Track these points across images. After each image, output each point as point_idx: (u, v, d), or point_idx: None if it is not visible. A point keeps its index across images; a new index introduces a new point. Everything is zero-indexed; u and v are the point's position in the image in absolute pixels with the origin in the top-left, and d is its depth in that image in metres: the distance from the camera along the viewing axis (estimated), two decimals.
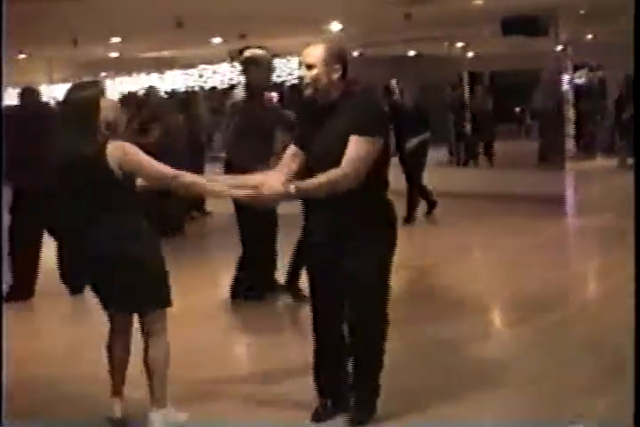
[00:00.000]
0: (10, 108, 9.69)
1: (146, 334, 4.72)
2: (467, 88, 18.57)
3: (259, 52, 7.38)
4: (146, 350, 4.72)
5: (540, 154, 15.99)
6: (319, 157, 4.53)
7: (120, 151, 4.45)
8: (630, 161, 16.10)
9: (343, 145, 4.39)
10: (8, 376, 5.19)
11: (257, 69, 7.24)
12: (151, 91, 11.82)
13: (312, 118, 4.68)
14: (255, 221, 7.06)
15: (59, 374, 5.94)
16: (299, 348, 5.55)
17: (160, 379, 4.70)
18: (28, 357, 6.25)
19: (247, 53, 7.36)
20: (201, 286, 8.44)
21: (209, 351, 6.29)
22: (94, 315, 7.56)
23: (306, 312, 5.01)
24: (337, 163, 4.37)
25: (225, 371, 5.82)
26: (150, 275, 4.59)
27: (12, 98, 9.45)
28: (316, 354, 4.81)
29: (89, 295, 8.42)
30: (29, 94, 8.59)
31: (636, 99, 8.39)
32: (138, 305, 4.68)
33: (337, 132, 4.45)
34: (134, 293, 4.60)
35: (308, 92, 4.62)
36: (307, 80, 4.59)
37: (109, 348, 4.90)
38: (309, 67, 4.57)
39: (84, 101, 4.53)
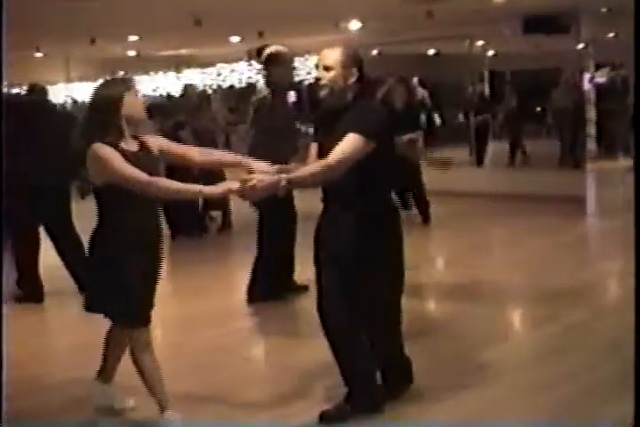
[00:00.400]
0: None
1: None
2: (487, 87, 18.47)
3: (280, 49, 7.30)
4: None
5: (562, 154, 15.90)
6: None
7: (92, 157, 4.43)
8: None
9: None
10: (15, 377, 5.23)
11: (279, 67, 7.17)
12: (189, 88, 11.86)
13: (327, 119, 4.72)
14: (276, 219, 7.03)
15: (61, 375, 5.95)
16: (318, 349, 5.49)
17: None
18: (28, 357, 6.25)
19: (269, 51, 7.26)
20: (222, 287, 8.51)
21: (230, 352, 6.25)
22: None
23: None
24: None
25: (245, 372, 5.80)
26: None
27: None
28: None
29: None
30: (38, 91, 8.62)
31: (636, 99, 8.32)
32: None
33: (341, 133, 4.49)
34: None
35: (323, 93, 4.67)
36: (323, 82, 4.65)
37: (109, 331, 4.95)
38: (327, 68, 4.63)
39: (106, 97, 4.53)
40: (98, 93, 4.58)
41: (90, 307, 4.74)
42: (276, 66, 7.17)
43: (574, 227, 11.48)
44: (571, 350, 5.99)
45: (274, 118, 7.10)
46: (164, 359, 4.85)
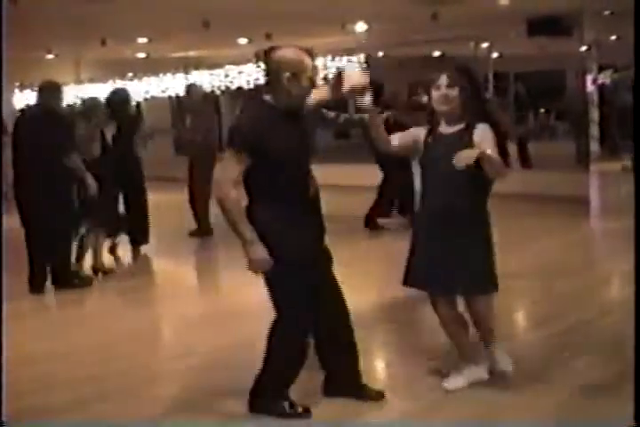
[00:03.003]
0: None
1: None
2: (491, 88, 18.56)
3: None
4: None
5: (579, 154, 16.03)
6: None
7: None
8: None
9: None
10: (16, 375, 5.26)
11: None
12: (193, 88, 11.88)
13: None
14: None
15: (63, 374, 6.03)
16: None
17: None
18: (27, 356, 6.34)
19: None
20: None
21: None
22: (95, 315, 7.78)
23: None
24: None
25: None
26: None
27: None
28: None
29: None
30: (52, 89, 8.74)
31: (636, 99, 8.40)
32: None
33: None
34: None
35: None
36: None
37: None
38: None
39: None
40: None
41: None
42: None
43: (578, 227, 11.56)
44: (575, 349, 6.04)
45: None
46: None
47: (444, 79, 4.90)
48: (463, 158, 4.47)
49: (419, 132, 5.13)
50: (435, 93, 4.94)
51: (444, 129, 5.00)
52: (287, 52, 4.72)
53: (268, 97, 4.73)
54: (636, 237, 4.84)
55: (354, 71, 4.91)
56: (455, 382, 5.21)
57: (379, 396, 5.16)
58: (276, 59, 4.69)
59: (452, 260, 4.95)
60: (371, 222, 11.51)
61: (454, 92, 4.87)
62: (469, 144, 4.74)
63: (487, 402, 5.05)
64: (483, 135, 4.81)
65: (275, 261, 4.59)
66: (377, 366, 6.08)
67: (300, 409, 4.94)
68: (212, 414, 5.05)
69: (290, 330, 4.83)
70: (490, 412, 4.93)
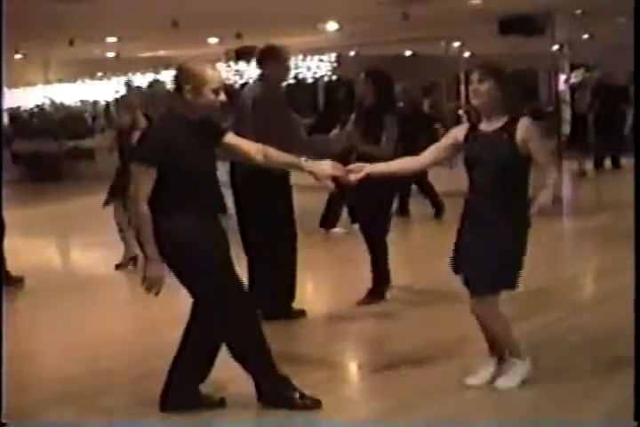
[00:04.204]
0: None
1: None
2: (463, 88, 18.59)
3: (276, 45, 7.14)
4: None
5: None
6: None
7: None
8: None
9: None
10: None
11: (276, 62, 6.97)
12: (155, 83, 11.75)
13: None
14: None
15: (58, 373, 5.98)
16: None
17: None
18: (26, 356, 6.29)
19: (265, 46, 7.10)
20: None
21: None
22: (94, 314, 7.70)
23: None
24: None
25: None
26: None
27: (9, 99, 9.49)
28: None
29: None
30: None
31: (636, 99, 8.39)
32: None
33: None
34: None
35: None
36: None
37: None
38: None
39: None
40: None
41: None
42: (273, 62, 6.98)
43: (550, 226, 11.55)
44: (546, 348, 6.01)
45: (276, 117, 6.87)
46: None
47: (475, 74, 4.91)
48: (542, 208, 4.76)
49: (459, 133, 5.10)
50: (469, 88, 4.97)
51: (485, 126, 4.97)
52: (190, 65, 4.80)
53: (175, 109, 4.83)
54: (636, 237, 4.81)
55: (327, 165, 4.97)
56: (479, 378, 5.14)
57: (314, 405, 4.97)
58: (180, 70, 4.78)
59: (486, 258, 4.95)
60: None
61: (484, 86, 4.85)
62: (512, 143, 4.79)
63: (465, 400, 4.99)
64: (527, 133, 4.82)
65: (185, 264, 4.70)
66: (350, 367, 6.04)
67: (309, 401, 4.93)
68: (197, 411, 4.94)
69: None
70: (468, 410, 4.89)
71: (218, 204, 4.87)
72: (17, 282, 8.62)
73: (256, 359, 4.93)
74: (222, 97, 4.78)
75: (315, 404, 4.90)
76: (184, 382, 4.95)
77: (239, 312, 4.86)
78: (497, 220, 4.88)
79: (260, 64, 7.06)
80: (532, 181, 4.97)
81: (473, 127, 5.02)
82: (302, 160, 5.11)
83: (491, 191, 4.90)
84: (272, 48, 7.03)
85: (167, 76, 19.28)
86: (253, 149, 5.04)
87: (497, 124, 4.89)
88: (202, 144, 4.77)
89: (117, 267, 9.34)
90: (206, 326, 4.89)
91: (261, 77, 7.02)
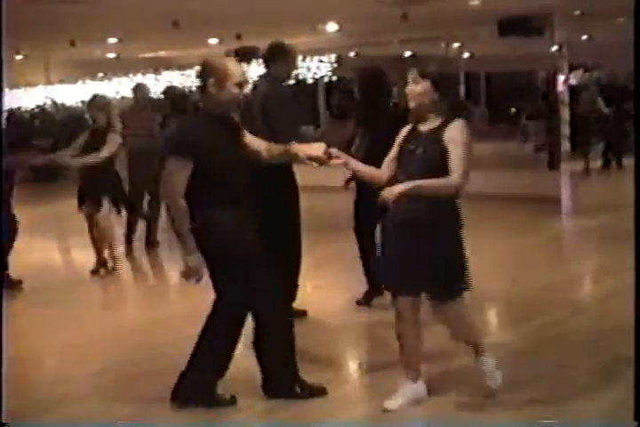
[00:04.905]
0: None
1: None
2: (463, 88, 18.65)
3: (283, 42, 7.11)
4: None
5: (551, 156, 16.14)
6: None
7: None
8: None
9: None
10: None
11: (283, 60, 6.96)
12: (139, 88, 11.63)
13: None
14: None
15: (56, 375, 6.01)
16: None
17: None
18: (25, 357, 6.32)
19: (273, 44, 7.07)
20: None
21: None
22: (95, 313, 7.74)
23: None
24: None
25: None
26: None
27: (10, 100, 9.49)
28: None
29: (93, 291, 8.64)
30: None
31: (636, 98, 8.40)
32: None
33: None
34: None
35: None
36: None
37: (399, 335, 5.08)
38: None
39: None
40: None
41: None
42: (280, 59, 6.96)
43: (550, 226, 11.60)
44: (546, 348, 6.06)
45: (286, 114, 6.85)
46: None
47: (411, 75, 4.85)
48: (387, 195, 4.60)
49: (401, 135, 5.04)
50: (406, 90, 4.89)
51: (422, 127, 4.90)
52: (214, 60, 4.93)
53: (201, 104, 4.95)
54: (636, 237, 4.84)
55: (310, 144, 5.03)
56: (395, 402, 5.00)
57: (320, 392, 5.19)
58: (203, 66, 4.89)
59: (420, 261, 4.81)
60: None
61: (419, 88, 4.79)
62: (441, 144, 4.71)
63: (463, 401, 5.03)
64: (453, 133, 4.73)
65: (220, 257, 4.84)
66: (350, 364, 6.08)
67: (312, 390, 5.11)
68: (186, 413, 5.03)
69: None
70: (464, 411, 4.91)
71: (248, 199, 4.94)
72: (15, 285, 8.65)
73: (280, 354, 5.11)
74: (246, 90, 4.95)
75: (319, 391, 5.13)
76: (202, 379, 5.05)
77: (271, 310, 5.03)
78: (429, 223, 4.77)
79: (266, 62, 7.05)
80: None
81: (414, 128, 4.96)
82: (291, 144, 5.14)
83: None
84: (280, 46, 7.02)
85: (168, 77, 19.36)
86: (262, 146, 5.12)
87: (432, 125, 4.85)
88: (230, 139, 4.89)
89: (93, 273, 9.31)
90: (230, 320, 5.02)
91: (266, 75, 7.02)
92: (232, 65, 4.87)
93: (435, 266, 4.79)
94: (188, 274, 4.87)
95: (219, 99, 4.82)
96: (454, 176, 4.68)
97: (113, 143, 8.97)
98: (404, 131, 5.02)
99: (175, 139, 4.93)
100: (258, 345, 5.16)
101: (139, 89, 11.44)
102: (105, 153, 8.90)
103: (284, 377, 5.14)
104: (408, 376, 5.05)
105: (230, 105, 4.89)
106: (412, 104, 4.83)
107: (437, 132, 4.78)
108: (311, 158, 4.97)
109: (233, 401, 5.09)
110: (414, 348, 5.05)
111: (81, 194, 9.29)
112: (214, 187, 4.80)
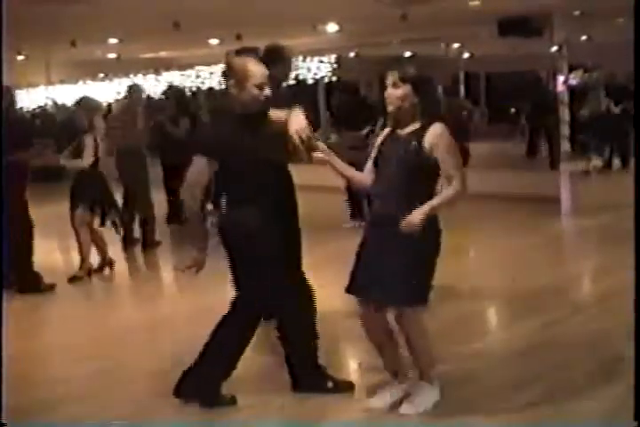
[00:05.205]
0: None
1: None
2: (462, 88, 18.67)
3: (281, 44, 7.11)
4: None
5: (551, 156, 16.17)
6: None
7: None
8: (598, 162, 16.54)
9: None
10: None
11: (281, 62, 6.95)
12: (133, 88, 11.59)
13: None
14: None
15: (57, 374, 6.03)
16: None
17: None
18: (25, 356, 6.33)
19: (270, 45, 7.07)
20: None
21: None
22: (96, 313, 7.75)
23: None
24: None
25: None
26: None
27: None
28: None
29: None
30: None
31: (636, 98, 8.41)
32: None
33: None
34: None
35: None
36: None
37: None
38: None
39: None
40: None
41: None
42: (278, 61, 6.94)
43: (550, 226, 11.60)
44: (545, 348, 6.06)
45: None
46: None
47: (389, 78, 4.73)
48: (409, 226, 4.52)
49: (379, 139, 4.98)
50: (384, 93, 4.79)
51: (401, 130, 4.80)
52: (235, 61, 4.95)
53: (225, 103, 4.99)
54: (636, 237, 4.85)
55: (298, 116, 4.99)
56: (379, 400, 5.01)
57: (349, 387, 5.27)
58: (226, 65, 4.93)
59: (383, 267, 4.73)
60: None
61: (398, 92, 4.69)
62: (419, 149, 4.63)
63: (463, 399, 5.03)
64: (435, 139, 4.64)
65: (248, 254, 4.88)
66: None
67: (343, 385, 5.20)
68: (186, 413, 5.05)
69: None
70: (465, 409, 4.91)
71: (269, 198, 4.94)
72: (49, 288, 8.70)
73: (303, 348, 5.19)
74: (267, 92, 4.87)
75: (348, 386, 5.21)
76: (209, 377, 5.08)
77: (287, 309, 5.11)
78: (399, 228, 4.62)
79: (264, 64, 7.05)
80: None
81: (392, 131, 4.87)
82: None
83: (393, 194, 4.73)
84: (277, 47, 7.02)
85: (168, 78, 19.38)
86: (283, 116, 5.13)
87: (411, 128, 4.74)
88: (253, 139, 4.87)
89: (70, 280, 9.18)
90: (245, 321, 5.04)
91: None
92: (252, 66, 4.88)
93: (397, 270, 4.69)
94: (193, 264, 4.93)
95: (239, 99, 4.85)
96: (457, 183, 4.63)
97: (88, 148, 9.04)
98: (383, 134, 4.97)
99: (199, 138, 5.05)
100: (282, 345, 5.25)
101: (132, 89, 11.41)
102: (87, 159, 9.00)
103: (311, 374, 5.22)
104: (393, 377, 5.08)
105: (251, 106, 4.86)
106: (390, 108, 4.73)
107: (416, 136, 4.68)
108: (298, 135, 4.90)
109: (233, 401, 5.12)
110: (389, 351, 5.03)
111: (80, 197, 9.34)
112: (237, 186, 4.87)
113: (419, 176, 4.65)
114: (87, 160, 8.99)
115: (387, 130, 4.95)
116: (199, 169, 4.79)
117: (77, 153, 9.05)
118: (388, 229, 4.69)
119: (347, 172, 5.03)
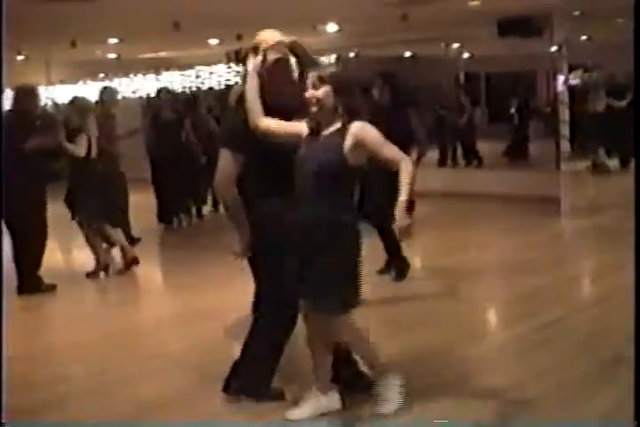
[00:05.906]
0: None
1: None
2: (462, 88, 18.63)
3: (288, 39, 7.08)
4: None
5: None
6: None
7: None
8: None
9: None
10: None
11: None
12: (106, 90, 11.52)
13: None
14: None
15: (58, 374, 6.04)
16: None
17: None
18: (28, 356, 6.34)
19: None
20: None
21: None
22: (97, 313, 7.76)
23: None
24: None
25: None
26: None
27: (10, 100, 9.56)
28: None
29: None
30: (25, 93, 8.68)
31: (636, 98, 8.43)
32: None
33: None
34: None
35: None
36: None
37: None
38: None
39: None
40: None
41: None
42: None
43: (550, 226, 11.61)
44: (544, 348, 6.07)
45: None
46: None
47: (310, 80, 4.69)
48: (401, 226, 4.48)
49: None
50: (305, 95, 4.69)
51: (321, 131, 4.72)
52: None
53: None
54: (636, 237, 4.85)
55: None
56: (301, 412, 4.93)
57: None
58: (242, 62, 5.03)
59: (311, 274, 4.65)
60: None
61: (319, 92, 4.62)
62: (339, 148, 4.57)
63: (461, 400, 5.04)
64: (359, 132, 4.58)
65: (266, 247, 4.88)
66: None
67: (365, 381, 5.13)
68: (186, 413, 5.05)
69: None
70: (463, 409, 4.92)
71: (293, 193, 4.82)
72: (50, 288, 8.70)
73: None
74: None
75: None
76: (259, 370, 5.07)
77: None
78: (323, 230, 4.59)
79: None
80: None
81: (312, 132, 4.76)
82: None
83: (308, 200, 4.66)
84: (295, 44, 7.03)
85: (168, 78, 19.37)
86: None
87: (332, 128, 4.68)
88: None
89: (88, 275, 9.34)
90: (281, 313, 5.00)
91: None
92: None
93: (322, 274, 4.63)
94: (241, 253, 4.95)
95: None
96: (406, 159, 4.59)
97: (79, 146, 9.06)
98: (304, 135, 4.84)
99: (226, 133, 5.10)
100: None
101: (105, 92, 11.30)
102: (78, 152, 9.11)
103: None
104: (317, 387, 4.96)
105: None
106: (312, 109, 4.65)
107: (337, 136, 4.63)
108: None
109: (281, 396, 5.14)
110: (321, 361, 4.94)
111: (74, 200, 9.43)
112: (261, 180, 4.89)
113: (337, 176, 4.58)
114: (79, 154, 9.07)
115: (307, 131, 4.80)
116: (226, 162, 4.81)
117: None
118: (304, 234, 4.66)
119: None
